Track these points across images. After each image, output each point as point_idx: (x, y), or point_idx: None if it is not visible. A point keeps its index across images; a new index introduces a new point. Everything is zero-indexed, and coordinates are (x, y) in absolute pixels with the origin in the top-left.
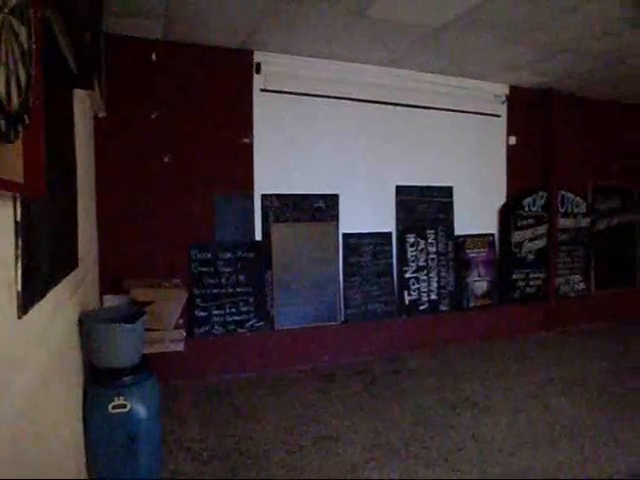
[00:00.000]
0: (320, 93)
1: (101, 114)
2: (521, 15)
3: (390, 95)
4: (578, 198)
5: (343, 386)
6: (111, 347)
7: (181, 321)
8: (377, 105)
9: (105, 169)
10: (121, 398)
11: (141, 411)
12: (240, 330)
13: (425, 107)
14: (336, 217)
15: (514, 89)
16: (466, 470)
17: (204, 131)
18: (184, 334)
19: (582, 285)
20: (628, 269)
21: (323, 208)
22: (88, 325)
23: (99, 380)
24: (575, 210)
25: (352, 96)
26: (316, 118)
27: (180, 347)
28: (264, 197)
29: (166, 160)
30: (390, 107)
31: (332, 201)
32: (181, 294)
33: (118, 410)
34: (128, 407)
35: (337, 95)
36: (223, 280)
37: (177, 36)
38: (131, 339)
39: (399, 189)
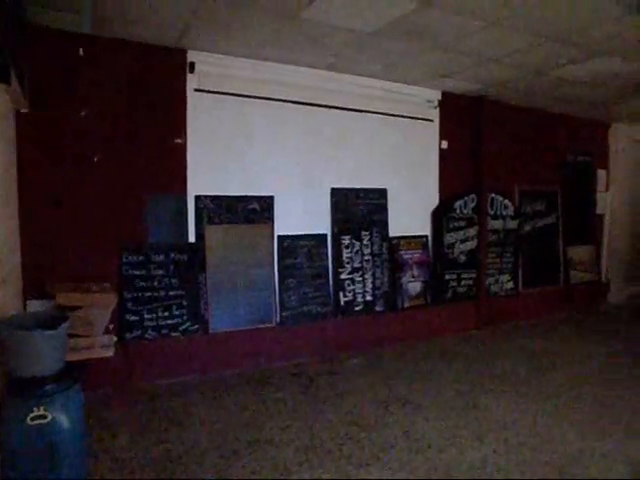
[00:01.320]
0: (256, 95)
1: (23, 110)
2: (450, 25)
3: (326, 98)
4: (506, 201)
5: (279, 388)
6: (30, 355)
7: (111, 326)
8: (313, 108)
9: (29, 168)
10: (41, 408)
11: (63, 421)
12: (173, 334)
13: (360, 110)
14: (271, 219)
15: (446, 95)
16: (396, 467)
17: (136, 130)
18: (114, 339)
19: (510, 284)
20: (552, 269)
21: (258, 210)
22: (4, 332)
23: (17, 390)
24: (504, 212)
25: (288, 98)
26: (252, 120)
27: (110, 353)
28: (198, 198)
29: (96, 159)
30: (326, 110)
31: (267, 203)
32: (110, 298)
33: (38, 421)
34: (49, 417)
35: (273, 97)
36: (155, 283)
37: (107, 32)
38: (52, 346)
39: (334, 191)
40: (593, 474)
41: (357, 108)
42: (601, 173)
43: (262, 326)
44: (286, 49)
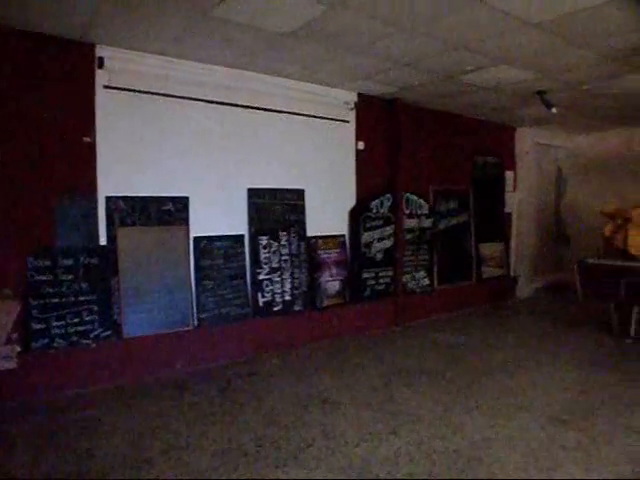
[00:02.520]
0: (170, 93)
1: None
2: (363, 29)
3: (243, 98)
4: (421, 200)
5: (196, 392)
6: None
7: (14, 336)
8: (229, 107)
9: None
10: None
11: None
12: (84, 341)
13: (277, 111)
14: (186, 220)
15: (362, 97)
16: (313, 466)
17: (42, 128)
18: (17, 350)
19: (426, 281)
20: (465, 265)
21: (173, 211)
22: None
23: None
24: (419, 212)
25: (203, 97)
26: (166, 118)
27: (12, 365)
28: (109, 199)
29: None
30: (242, 110)
31: (182, 204)
32: (12, 306)
33: None
34: None
35: (188, 96)
36: (64, 288)
37: (7, 21)
38: None
39: (251, 192)
40: (498, 458)
41: (274, 108)
42: (509, 174)
43: (179, 329)
44: (200, 47)
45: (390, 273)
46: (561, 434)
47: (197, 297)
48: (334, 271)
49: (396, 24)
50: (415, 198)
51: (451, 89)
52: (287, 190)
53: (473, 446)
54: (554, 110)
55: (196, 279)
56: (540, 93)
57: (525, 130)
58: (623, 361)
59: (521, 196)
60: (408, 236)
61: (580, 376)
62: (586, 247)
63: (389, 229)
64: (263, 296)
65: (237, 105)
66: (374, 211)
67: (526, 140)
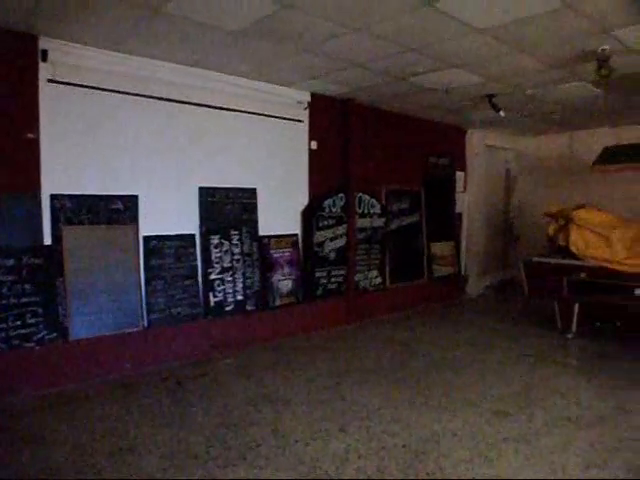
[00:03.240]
0: (119, 89)
1: None
2: (314, 29)
3: (194, 95)
4: (373, 200)
5: (145, 395)
6: None
7: None
8: (180, 105)
9: None
10: None
11: None
12: (27, 344)
13: (230, 109)
14: (135, 219)
15: (315, 96)
16: (263, 465)
17: None
18: None
19: (379, 280)
20: (416, 264)
21: (121, 210)
22: None
23: None
24: (371, 211)
25: (154, 94)
26: (115, 115)
27: None
28: (54, 198)
29: None
30: (194, 107)
31: (131, 202)
32: None
33: None
34: None
35: (138, 92)
36: (5, 290)
37: None
38: None
39: (203, 190)
40: (444, 451)
41: (226, 107)
42: (459, 175)
43: (128, 331)
44: (150, 43)
45: (343, 272)
46: (504, 426)
47: (147, 297)
48: (287, 270)
49: (348, 25)
50: (368, 198)
51: (403, 90)
52: (239, 189)
53: (421, 441)
54: (502, 113)
55: (146, 279)
56: (489, 96)
57: (475, 132)
58: (565, 355)
59: (471, 196)
60: (361, 235)
61: (524, 370)
62: (533, 246)
63: (342, 228)
64: (215, 296)
65: (189, 103)
66: (327, 210)
67: (476, 142)
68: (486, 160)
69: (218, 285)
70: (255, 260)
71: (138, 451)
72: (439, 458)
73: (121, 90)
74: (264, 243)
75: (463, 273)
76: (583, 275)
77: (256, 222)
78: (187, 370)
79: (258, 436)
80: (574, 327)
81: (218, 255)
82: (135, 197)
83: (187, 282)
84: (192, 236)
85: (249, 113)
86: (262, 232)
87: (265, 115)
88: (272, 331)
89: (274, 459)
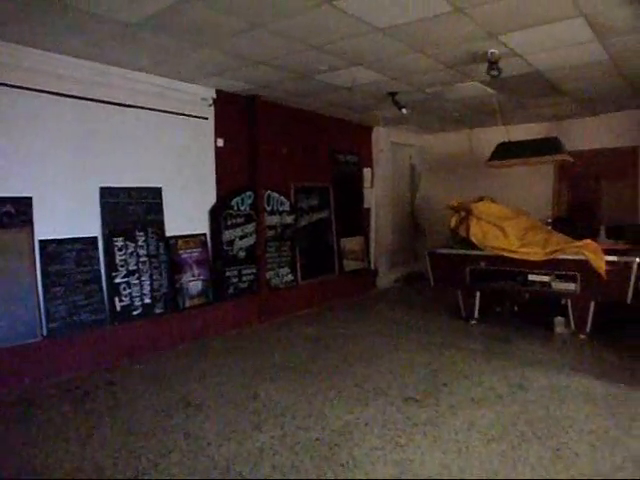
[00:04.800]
0: (7, 82)
1: None
2: (214, 24)
3: (93, 91)
4: (282, 197)
5: (47, 408)
6: None
7: None
8: (80, 101)
9: None
10: None
11: None
12: None
13: (132, 106)
14: (30, 222)
15: (220, 93)
16: (176, 471)
17: None
18: None
19: (290, 277)
20: (327, 259)
21: (13, 213)
22: None
23: None
24: (280, 208)
25: (48, 89)
26: (5, 112)
27: None
28: None
29: None
30: (95, 104)
31: (25, 205)
32: None
33: None
34: None
35: (30, 86)
36: None
37: None
38: None
39: (104, 191)
40: (357, 441)
41: (128, 103)
42: (367, 171)
43: (25, 342)
44: (42, 33)
45: (253, 270)
46: (414, 412)
47: (45, 305)
48: (196, 271)
49: (249, 21)
50: (276, 195)
51: (308, 88)
52: (143, 189)
53: (335, 433)
54: (404, 111)
55: (44, 286)
56: (392, 94)
57: (381, 129)
58: (468, 340)
59: (379, 192)
60: (270, 233)
61: (432, 357)
62: (438, 238)
63: (251, 227)
64: (121, 300)
65: (87, 99)
66: (235, 209)
67: (382, 139)
68: (392, 156)
69: (124, 289)
70: (162, 261)
71: (38, 471)
72: (352, 448)
73: (8, 83)
74: (171, 244)
75: (373, 267)
76: (483, 264)
77: (162, 222)
78: (93, 380)
79: (170, 442)
80: (476, 313)
81: (123, 258)
82: (29, 199)
83: (90, 287)
84: (94, 239)
85: (152, 110)
86: (169, 232)
87: (169, 112)
88: (183, 333)
89: (187, 464)
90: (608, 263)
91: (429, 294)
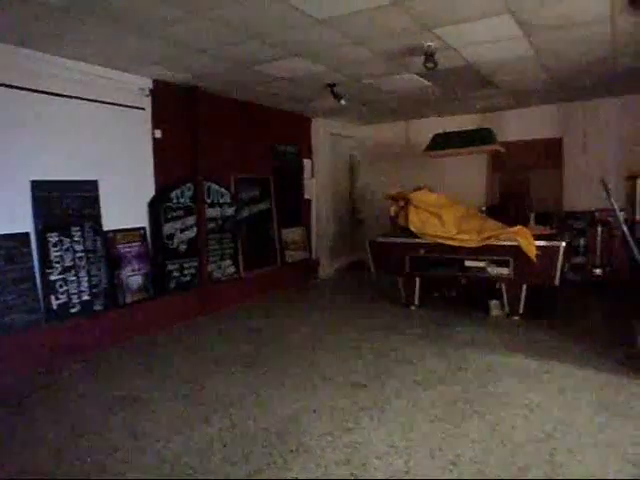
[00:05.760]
0: None
1: None
2: (152, 10)
3: (22, 79)
4: (223, 189)
5: None
6: None
7: None
8: (6, 89)
9: None
10: None
11: None
12: None
13: (64, 95)
14: None
15: (158, 83)
16: (123, 470)
17: None
18: None
19: (232, 269)
20: (269, 251)
21: None
22: None
23: None
24: (221, 200)
25: None
26: None
27: None
28: None
29: None
30: (24, 93)
31: None
32: None
33: None
34: None
35: None
36: None
37: None
38: None
39: (36, 184)
40: (305, 428)
41: (61, 92)
42: (307, 162)
43: None
44: None
45: (195, 263)
46: (360, 397)
47: None
48: (136, 265)
49: (185, 8)
50: (217, 187)
51: (248, 79)
52: (79, 182)
53: (282, 421)
54: (343, 102)
55: None
56: (330, 85)
57: (320, 120)
58: (410, 326)
59: (319, 183)
60: (211, 225)
61: (375, 343)
62: (379, 227)
63: (191, 219)
64: (57, 298)
65: (16, 87)
66: (175, 201)
67: (321, 130)
68: (331, 147)
69: (60, 286)
70: (100, 256)
71: None
72: (301, 435)
73: None
74: (109, 238)
75: (314, 257)
76: (422, 251)
77: (99, 216)
78: (30, 383)
79: (116, 441)
80: (417, 300)
81: (58, 254)
82: None
83: (23, 286)
84: (26, 235)
85: (86, 100)
86: (107, 226)
87: (103, 102)
88: (125, 330)
89: (134, 462)
90: (538, 248)
91: (371, 282)
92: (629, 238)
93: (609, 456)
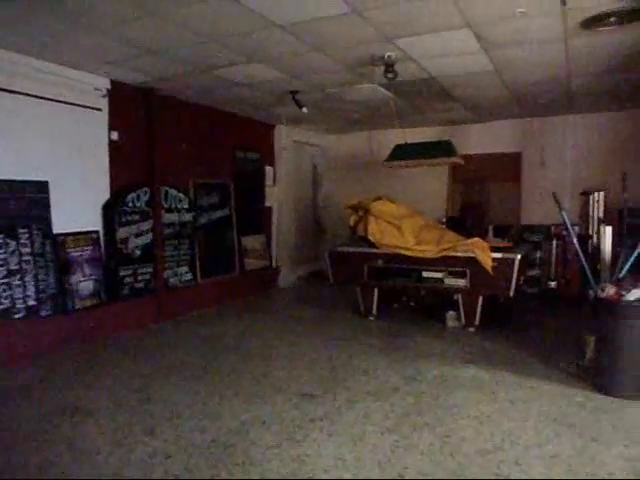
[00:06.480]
0: None
1: None
2: (108, 7)
3: None
4: (181, 194)
5: None
6: None
7: None
8: None
9: None
10: None
11: None
12: None
13: (13, 91)
14: None
15: (116, 84)
16: None
17: None
18: None
19: (189, 276)
20: (228, 258)
21: None
22: None
23: None
24: (179, 205)
25: None
26: None
27: None
28: None
29: None
30: None
31: None
32: None
33: None
34: None
35: None
36: None
37: None
38: None
39: None
40: (253, 440)
41: (8, 88)
42: (269, 169)
43: None
44: None
45: (150, 269)
46: (311, 408)
47: None
48: (87, 270)
49: (140, 7)
50: (175, 192)
51: (207, 83)
52: (26, 182)
53: (230, 433)
54: (305, 110)
55: None
56: (292, 93)
57: (283, 128)
58: (367, 336)
59: (281, 190)
60: (168, 231)
61: (331, 353)
62: (340, 237)
63: (147, 224)
64: (0, 303)
65: None
66: (130, 205)
67: (284, 137)
68: (294, 155)
69: (4, 291)
70: (49, 261)
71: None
72: (248, 447)
73: None
74: (59, 241)
75: (275, 265)
76: (380, 262)
77: (49, 219)
78: None
79: (52, 455)
80: (375, 310)
81: (3, 257)
82: None
83: None
84: None
85: (38, 97)
86: (57, 229)
87: (57, 101)
88: (74, 336)
89: (70, 477)
90: (494, 260)
91: (330, 292)
92: (580, 253)
93: (554, 467)
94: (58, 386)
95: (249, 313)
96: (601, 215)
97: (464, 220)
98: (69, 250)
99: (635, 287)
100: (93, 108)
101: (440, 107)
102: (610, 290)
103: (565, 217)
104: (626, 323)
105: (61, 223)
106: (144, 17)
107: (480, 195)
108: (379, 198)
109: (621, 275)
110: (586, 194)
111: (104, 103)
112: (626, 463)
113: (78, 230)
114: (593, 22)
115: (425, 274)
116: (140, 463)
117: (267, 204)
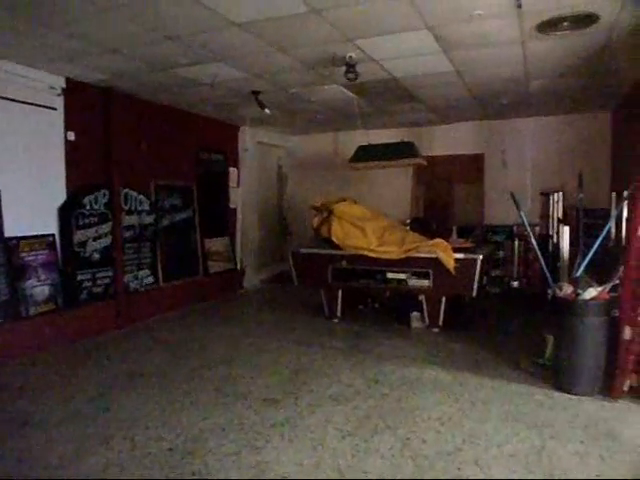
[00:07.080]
0: None
1: None
2: (58, 3)
3: None
4: (142, 196)
5: None
6: None
7: None
8: None
9: None
10: None
11: None
12: None
13: None
14: None
15: (71, 82)
16: None
17: None
18: None
19: (151, 279)
20: (191, 261)
21: None
22: None
23: None
24: (139, 208)
25: None
26: None
27: None
28: None
29: None
30: None
31: None
32: None
33: None
34: None
35: None
36: None
37: None
38: None
39: None
40: (211, 448)
41: None
42: (233, 170)
43: None
44: None
45: (110, 273)
46: (272, 413)
47: None
48: (42, 275)
49: (96, 3)
50: (135, 194)
51: (167, 82)
52: None
53: (189, 441)
54: (267, 111)
55: None
56: (255, 93)
57: (247, 129)
58: (330, 338)
59: (245, 192)
60: (128, 234)
61: (294, 357)
62: (305, 238)
63: (106, 227)
64: None
65: None
66: (88, 208)
67: (248, 138)
68: (259, 156)
69: None
70: (1, 265)
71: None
72: (206, 455)
73: None
74: (11, 245)
75: (239, 268)
76: (344, 263)
77: (0, 222)
78: None
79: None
80: (339, 312)
81: None
82: None
83: None
84: None
85: None
86: (9, 233)
87: (8, 99)
88: (28, 344)
89: None
90: (456, 260)
91: (295, 294)
92: (538, 253)
93: (513, 466)
94: (9, 397)
95: (212, 317)
96: (560, 215)
97: (428, 221)
98: (22, 254)
99: (591, 286)
100: (47, 107)
101: (403, 108)
102: (567, 289)
103: (524, 217)
104: (582, 321)
105: (14, 227)
106: (99, 13)
107: (443, 196)
108: (343, 200)
109: (577, 274)
110: (546, 194)
111: (59, 102)
112: (581, 460)
113: (33, 234)
114: (548, 26)
115: (389, 275)
116: (91, 476)
117: (231, 206)
